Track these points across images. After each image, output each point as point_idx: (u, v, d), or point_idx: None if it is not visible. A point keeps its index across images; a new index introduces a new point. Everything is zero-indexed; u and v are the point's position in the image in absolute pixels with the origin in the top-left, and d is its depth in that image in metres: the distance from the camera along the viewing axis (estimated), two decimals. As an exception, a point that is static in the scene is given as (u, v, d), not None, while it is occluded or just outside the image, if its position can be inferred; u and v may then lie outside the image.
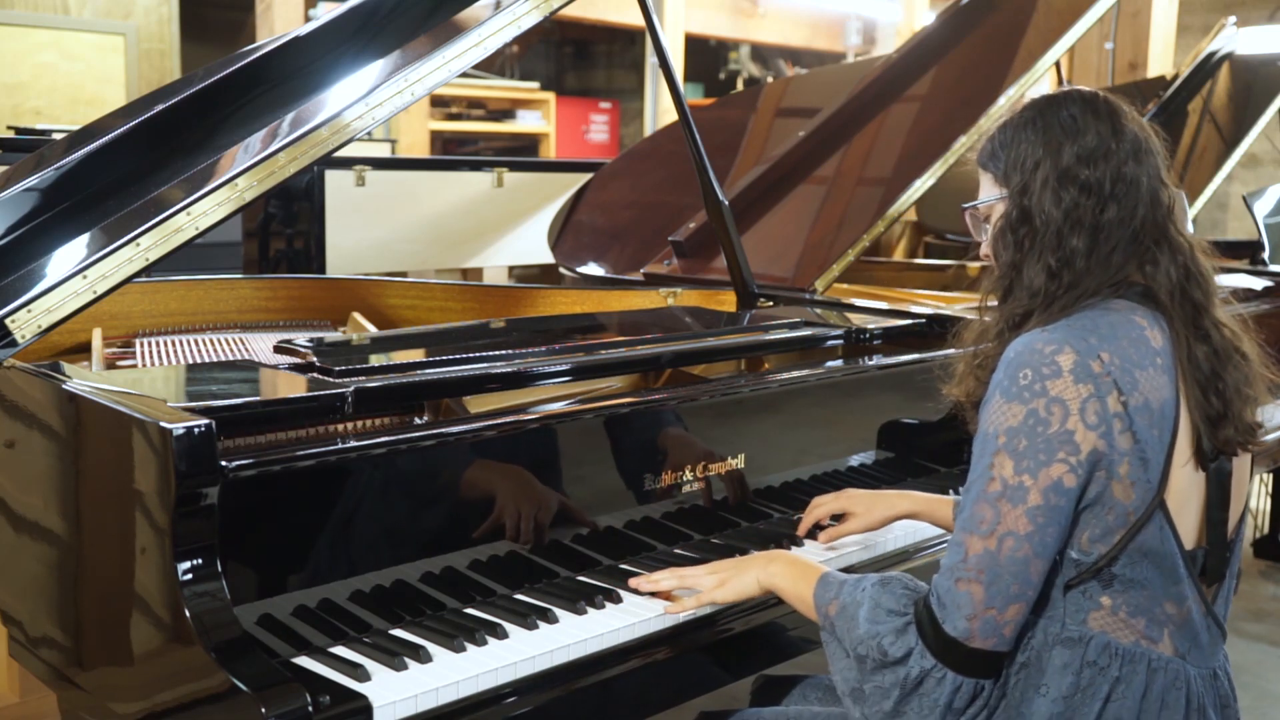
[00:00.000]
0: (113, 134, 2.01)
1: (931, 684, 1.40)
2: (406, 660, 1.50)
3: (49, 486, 1.64)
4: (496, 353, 1.90)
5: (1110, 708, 1.41)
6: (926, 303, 2.89)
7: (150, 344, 2.51)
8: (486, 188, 4.16)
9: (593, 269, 3.41)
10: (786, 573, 1.63)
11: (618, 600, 1.72)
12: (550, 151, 7.42)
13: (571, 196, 3.90)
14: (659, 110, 7.15)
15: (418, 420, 1.74)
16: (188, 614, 1.38)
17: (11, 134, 4.36)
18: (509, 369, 1.86)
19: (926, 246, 4.86)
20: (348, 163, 3.81)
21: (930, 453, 2.38)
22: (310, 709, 1.33)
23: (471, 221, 4.17)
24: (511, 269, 4.58)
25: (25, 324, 1.73)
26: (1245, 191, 4.48)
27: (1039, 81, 3.09)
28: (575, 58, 9.01)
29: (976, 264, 3.92)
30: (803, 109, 3.66)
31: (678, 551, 1.92)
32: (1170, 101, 4.46)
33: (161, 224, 1.79)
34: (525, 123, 7.38)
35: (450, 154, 7.10)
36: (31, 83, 5.68)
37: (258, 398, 1.64)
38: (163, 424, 1.39)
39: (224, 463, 1.43)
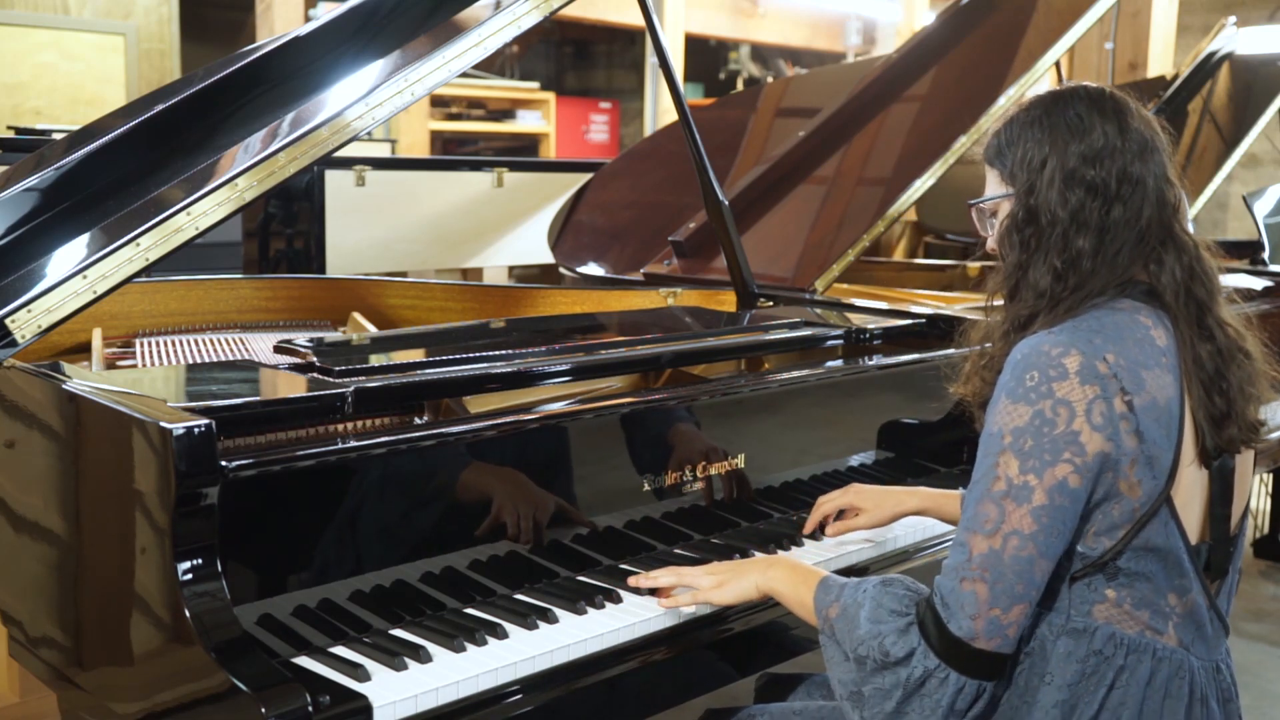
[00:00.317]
0: (113, 134, 2.01)
1: (934, 685, 1.39)
2: (406, 660, 1.49)
3: (49, 486, 1.63)
4: (496, 353, 1.90)
5: (1114, 694, 1.41)
6: (926, 303, 2.89)
7: (150, 344, 2.51)
8: (486, 188, 4.16)
9: (593, 269, 3.40)
10: (786, 577, 1.62)
11: (618, 600, 1.72)
12: (550, 151, 7.41)
13: (571, 196, 3.90)
14: (659, 110, 7.15)
15: (418, 420, 1.74)
16: (188, 614, 1.38)
17: (11, 134, 4.35)
18: (509, 369, 1.86)
19: (926, 246, 4.86)
20: (348, 163, 3.81)
21: (930, 453, 2.38)
22: (310, 709, 1.33)
23: (471, 221, 4.17)
24: (511, 269, 4.57)
25: (25, 324, 1.73)
26: (1245, 191, 4.47)
27: (1039, 81, 3.09)
28: (575, 58, 9.01)
29: (976, 264, 3.93)
30: (803, 109, 3.66)
31: (678, 551, 1.92)
32: (1170, 101, 4.46)
33: (161, 224, 1.79)
34: (525, 123, 7.37)
35: (450, 154, 7.09)
36: (31, 83, 5.68)
37: (258, 398, 1.64)
38: (163, 424, 1.39)
39: (224, 463, 1.42)
